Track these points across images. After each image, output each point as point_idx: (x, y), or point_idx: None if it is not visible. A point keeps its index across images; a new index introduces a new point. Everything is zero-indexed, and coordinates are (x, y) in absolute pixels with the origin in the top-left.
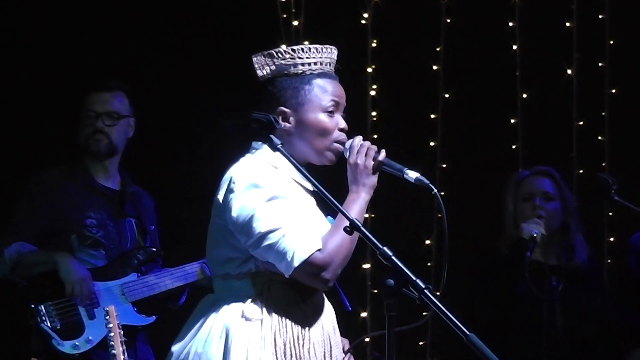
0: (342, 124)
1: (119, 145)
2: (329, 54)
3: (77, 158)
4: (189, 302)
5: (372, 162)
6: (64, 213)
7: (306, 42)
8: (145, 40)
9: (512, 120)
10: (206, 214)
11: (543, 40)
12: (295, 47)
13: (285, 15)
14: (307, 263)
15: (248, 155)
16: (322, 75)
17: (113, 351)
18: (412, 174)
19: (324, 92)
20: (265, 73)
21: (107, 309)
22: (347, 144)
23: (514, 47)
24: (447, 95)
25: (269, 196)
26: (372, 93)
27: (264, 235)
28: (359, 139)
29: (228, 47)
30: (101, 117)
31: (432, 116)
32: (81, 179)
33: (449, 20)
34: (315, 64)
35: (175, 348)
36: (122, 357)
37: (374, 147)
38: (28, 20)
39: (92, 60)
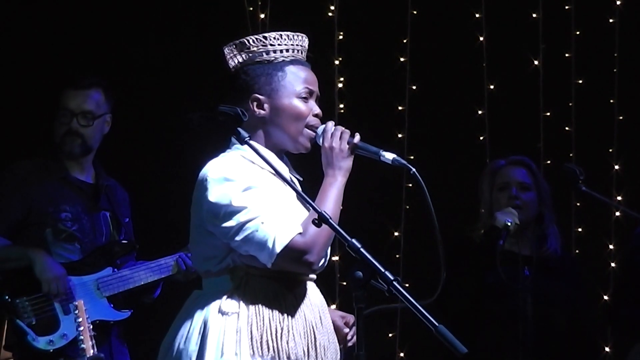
0: (317, 109)
1: (94, 144)
2: (300, 41)
3: (52, 151)
4: (164, 295)
5: (347, 145)
6: (38, 206)
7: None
8: (118, 35)
9: (479, 112)
10: (181, 206)
11: (509, 31)
12: (266, 35)
13: (251, 8)
14: (289, 248)
15: (226, 152)
16: (295, 62)
17: (82, 345)
18: (388, 155)
19: (297, 79)
20: (236, 62)
21: (76, 303)
22: (320, 129)
23: (481, 38)
24: (414, 87)
25: (243, 187)
26: (339, 85)
27: (242, 226)
28: (332, 123)
29: (196, 40)
30: (76, 117)
31: (400, 108)
32: (55, 172)
33: (415, 12)
34: (287, 50)
35: (162, 345)
36: (91, 351)
37: (348, 131)
38: (3, 15)
39: (68, 54)
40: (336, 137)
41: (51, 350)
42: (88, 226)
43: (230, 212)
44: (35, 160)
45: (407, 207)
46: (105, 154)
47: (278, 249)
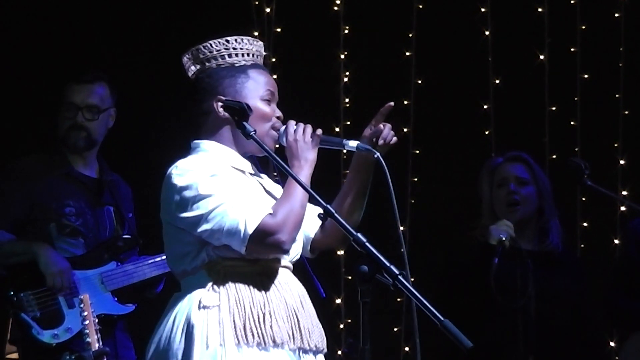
0: (279, 112)
1: (99, 138)
2: (259, 47)
3: (56, 146)
4: (167, 290)
5: (311, 138)
6: (42, 201)
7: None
8: (122, 30)
9: (485, 106)
10: None
11: (515, 25)
12: (229, 38)
13: (257, 2)
14: (260, 229)
15: (190, 155)
16: (255, 66)
17: (88, 339)
18: (352, 143)
19: (260, 82)
20: (197, 67)
21: (82, 297)
22: (282, 129)
23: (486, 32)
24: (419, 81)
25: (208, 175)
26: (345, 80)
27: (210, 213)
28: (293, 122)
29: (201, 35)
30: (81, 111)
31: (405, 102)
32: (59, 167)
33: (420, 6)
34: (248, 55)
35: (147, 349)
36: (96, 344)
37: (310, 125)
38: (6, 10)
39: (71, 49)
40: (299, 132)
41: (55, 344)
42: (92, 221)
43: (197, 201)
44: (38, 155)
45: (413, 201)
46: (109, 148)
47: (250, 231)
